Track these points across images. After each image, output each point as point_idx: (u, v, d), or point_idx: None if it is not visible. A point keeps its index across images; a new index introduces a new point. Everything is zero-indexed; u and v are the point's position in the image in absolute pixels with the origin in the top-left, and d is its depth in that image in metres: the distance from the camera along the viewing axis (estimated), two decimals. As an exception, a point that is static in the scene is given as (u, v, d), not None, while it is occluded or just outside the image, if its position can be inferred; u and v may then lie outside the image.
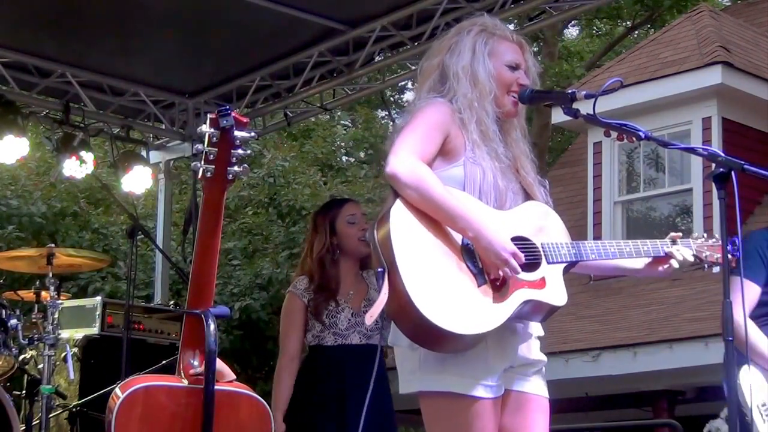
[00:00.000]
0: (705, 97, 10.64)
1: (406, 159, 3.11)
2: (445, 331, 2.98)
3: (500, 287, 3.10)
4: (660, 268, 3.51)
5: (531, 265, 3.17)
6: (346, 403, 4.80)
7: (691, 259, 3.50)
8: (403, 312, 3.02)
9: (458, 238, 3.12)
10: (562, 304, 3.19)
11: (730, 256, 3.24)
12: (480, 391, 3.12)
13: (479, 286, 3.08)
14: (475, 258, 3.10)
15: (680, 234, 3.54)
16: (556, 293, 3.19)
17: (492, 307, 3.07)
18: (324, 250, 5.00)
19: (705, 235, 3.61)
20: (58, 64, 8.06)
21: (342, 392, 4.83)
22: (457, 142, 3.25)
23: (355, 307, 4.95)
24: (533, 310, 3.17)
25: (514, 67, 3.37)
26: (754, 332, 4.32)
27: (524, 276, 3.14)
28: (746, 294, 4.20)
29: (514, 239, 3.16)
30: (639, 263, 3.52)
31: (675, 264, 3.48)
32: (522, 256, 3.13)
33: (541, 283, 3.17)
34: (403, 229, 3.08)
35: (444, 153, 3.24)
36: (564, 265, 3.25)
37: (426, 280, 3.01)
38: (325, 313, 4.93)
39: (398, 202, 3.12)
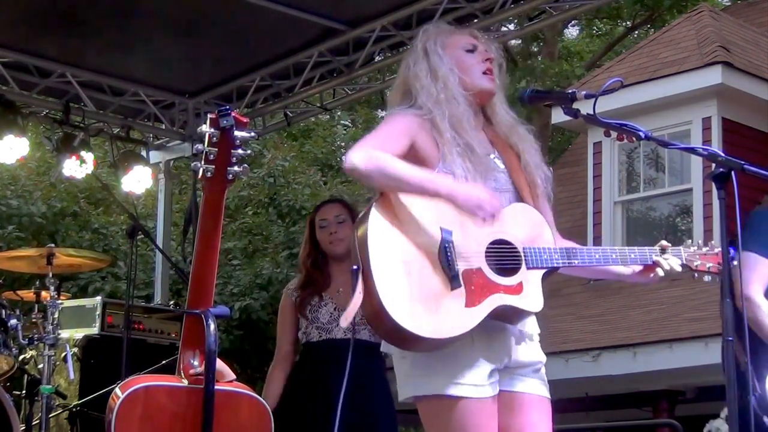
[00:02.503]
0: (705, 97, 10.64)
1: (361, 150, 3.13)
2: (412, 334, 2.99)
3: (475, 292, 3.08)
4: (650, 275, 3.48)
5: (510, 270, 3.15)
6: (332, 399, 4.79)
7: (679, 269, 3.44)
8: (375, 314, 3.03)
9: (436, 241, 3.09)
10: (536, 311, 3.18)
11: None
12: (469, 392, 3.12)
13: (453, 289, 3.05)
14: (452, 261, 3.07)
15: (669, 244, 3.48)
16: (531, 299, 3.16)
17: (463, 311, 3.05)
18: (308, 250, 5.11)
19: (699, 242, 3.55)
20: (58, 64, 8.06)
21: (329, 388, 4.81)
22: (428, 151, 3.24)
23: (341, 303, 4.96)
24: (507, 314, 3.15)
25: (471, 50, 3.41)
26: None
27: (501, 280, 3.12)
28: (761, 269, 4.20)
29: (495, 243, 3.15)
30: (627, 269, 3.49)
31: (660, 273, 3.44)
32: (498, 201, 3.15)
33: (518, 288, 3.14)
34: (380, 229, 3.08)
35: (417, 164, 3.20)
36: (544, 270, 3.22)
37: (397, 283, 3.02)
38: (308, 308, 5.01)
39: (377, 202, 3.12)
